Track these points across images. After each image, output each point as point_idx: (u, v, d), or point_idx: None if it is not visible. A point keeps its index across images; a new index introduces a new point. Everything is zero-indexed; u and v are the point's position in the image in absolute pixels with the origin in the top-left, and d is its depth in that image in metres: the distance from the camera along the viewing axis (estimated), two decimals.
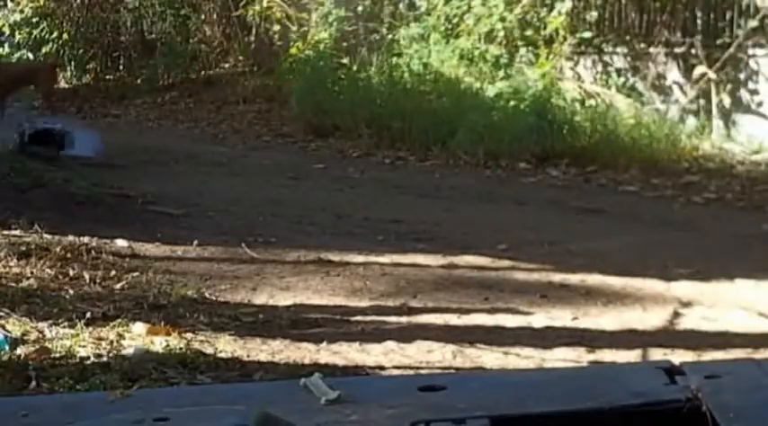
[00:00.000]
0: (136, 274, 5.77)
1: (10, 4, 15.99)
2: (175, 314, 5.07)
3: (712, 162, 9.94)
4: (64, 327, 4.71)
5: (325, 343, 4.75)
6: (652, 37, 11.43)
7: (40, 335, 4.64)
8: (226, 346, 4.66)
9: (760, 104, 10.78)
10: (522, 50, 11.52)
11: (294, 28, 13.52)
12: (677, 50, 11.28)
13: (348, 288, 5.82)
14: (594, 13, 11.60)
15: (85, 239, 6.40)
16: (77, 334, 4.62)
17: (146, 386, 3.88)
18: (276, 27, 14.04)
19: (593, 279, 6.02)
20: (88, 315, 4.86)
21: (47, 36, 15.78)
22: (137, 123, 13.73)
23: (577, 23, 11.61)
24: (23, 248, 6.02)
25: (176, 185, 8.71)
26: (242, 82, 14.49)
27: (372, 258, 6.41)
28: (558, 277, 6.07)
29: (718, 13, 11.17)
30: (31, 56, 15.86)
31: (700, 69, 10.92)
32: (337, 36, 12.91)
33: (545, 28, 11.52)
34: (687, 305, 5.60)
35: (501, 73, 11.22)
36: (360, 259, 6.39)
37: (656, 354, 4.73)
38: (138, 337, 4.67)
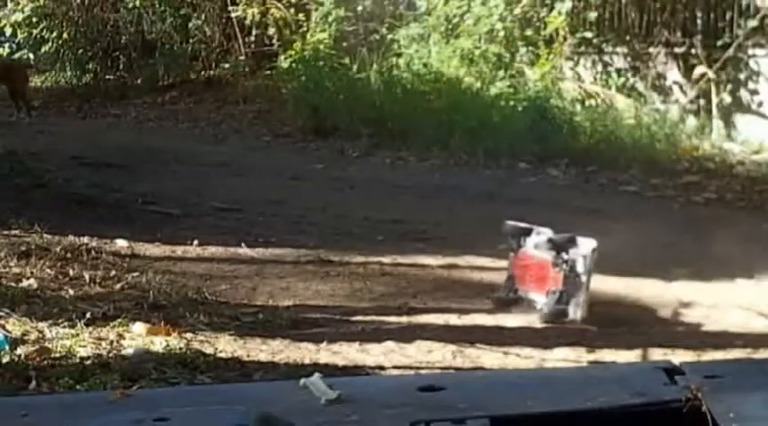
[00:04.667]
0: (136, 274, 5.77)
1: (10, 4, 15.99)
2: (175, 314, 5.07)
3: (712, 162, 9.93)
4: (64, 327, 4.71)
5: (325, 343, 4.75)
6: (652, 37, 11.42)
7: (40, 335, 4.64)
8: (226, 346, 4.66)
9: (760, 104, 10.78)
10: (522, 50, 11.52)
11: (293, 28, 13.50)
12: (677, 50, 11.28)
13: (348, 288, 5.82)
14: (594, 13, 11.60)
15: (85, 239, 6.40)
16: (77, 334, 4.62)
17: (146, 386, 3.88)
18: (275, 27, 14.02)
19: (593, 278, 6.00)
20: (88, 315, 4.87)
21: (47, 36, 15.79)
22: (137, 123, 13.72)
23: (577, 23, 11.61)
24: (23, 248, 6.02)
25: (176, 185, 8.71)
26: (242, 82, 14.49)
27: (372, 258, 6.41)
28: None
29: (719, 13, 11.16)
30: (32, 56, 15.89)
31: (700, 69, 10.92)
32: (337, 36, 12.90)
33: (545, 28, 11.52)
34: (687, 305, 5.60)
35: (501, 73, 11.21)
36: (360, 259, 6.39)
37: (656, 354, 4.73)
38: (138, 337, 4.67)
